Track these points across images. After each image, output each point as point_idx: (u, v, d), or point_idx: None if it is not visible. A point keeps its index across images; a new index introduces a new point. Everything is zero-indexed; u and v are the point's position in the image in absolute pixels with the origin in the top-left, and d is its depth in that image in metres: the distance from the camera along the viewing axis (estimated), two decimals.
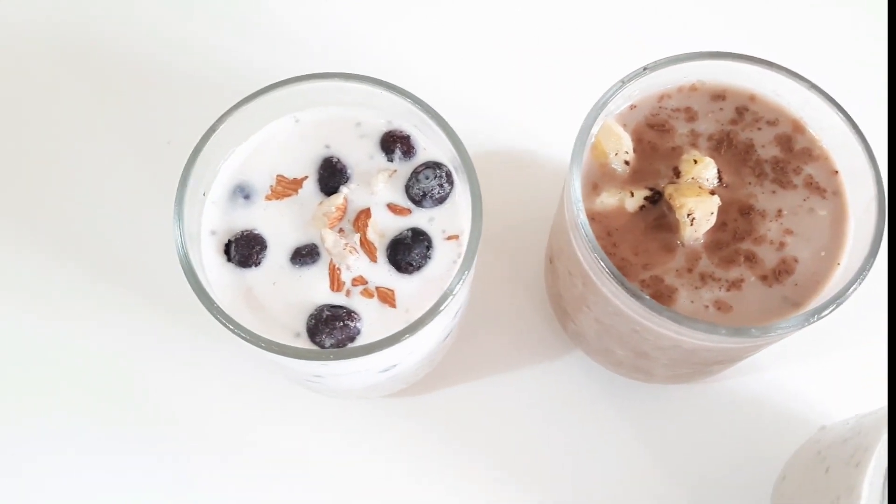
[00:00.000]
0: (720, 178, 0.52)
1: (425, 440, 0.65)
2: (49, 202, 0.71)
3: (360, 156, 0.54)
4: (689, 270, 0.50)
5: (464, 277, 0.48)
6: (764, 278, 0.50)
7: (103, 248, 0.69)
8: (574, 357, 0.67)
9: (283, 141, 0.54)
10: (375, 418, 0.65)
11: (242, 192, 0.53)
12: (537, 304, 0.68)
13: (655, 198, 0.52)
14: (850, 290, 0.47)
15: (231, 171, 0.53)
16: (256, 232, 0.52)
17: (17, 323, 0.67)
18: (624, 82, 0.51)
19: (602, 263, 0.47)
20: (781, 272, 0.50)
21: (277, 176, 0.53)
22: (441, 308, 0.48)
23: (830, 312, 0.47)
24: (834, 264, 0.50)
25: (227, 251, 0.51)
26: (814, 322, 0.46)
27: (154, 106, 0.74)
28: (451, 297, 0.48)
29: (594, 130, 0.51)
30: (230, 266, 0.51)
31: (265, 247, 0.51)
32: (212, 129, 0.51)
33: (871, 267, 0.47)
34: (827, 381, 0.65)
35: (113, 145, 0.73)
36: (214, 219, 0.52)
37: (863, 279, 0.47)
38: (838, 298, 0.47)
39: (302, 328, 0.50)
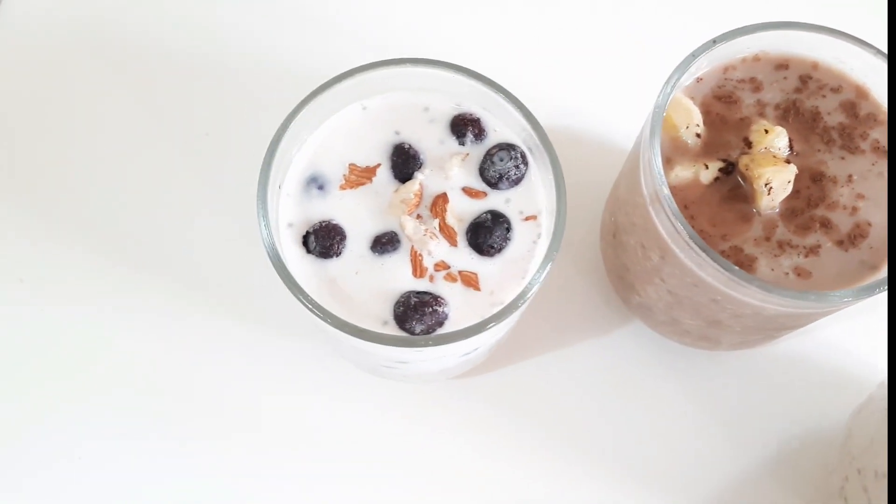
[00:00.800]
0: (791, 147, 0.53)
1: (490, 419, 0.66)
2: (91, 196, 0.70)
3: (431, 141, 0.54)
4: (767, 239, 0.51)
5: (552, 259, 0.48)
6: (840, 243, 0.51)
7: (153, 243, 0.69)
8: (633, 328, 0.68)
9: (352, 130, 0.54)
10: (440, 400, 0.66)
11: (316, 183, 0.53)
12: (594, 279, 0.69)
13: (729, 169, 0.52)
14: None
15: (303, 162, 0.53)
16: (335, 222, 0.51)
17: (68, 316, 0.67)
18: (695, 55, 0.52)
19: (687, 235, 0.48)
20: (856, 236, 0.51)
21: (350, 165, 0.53)
22: (530, 293, 0.48)
23: None
24: None
25: (305, 243, 0.51)
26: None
27: (194, 100, 0.73)
28: (538, 281, 0.48)
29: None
30: (311, 258, 0.51)
31: (344, 237, 0.51)
32: (288, 121, 0.50)
33: None
34: (879, 336, 0.67)
35: (154, 139, 0.72)
36: (291, 211, 0.52)
37: None
38: None
39: (389, 316, 0.50)
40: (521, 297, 0.48)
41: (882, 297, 0.49)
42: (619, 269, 0.62)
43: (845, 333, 0.67)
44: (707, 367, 0.67)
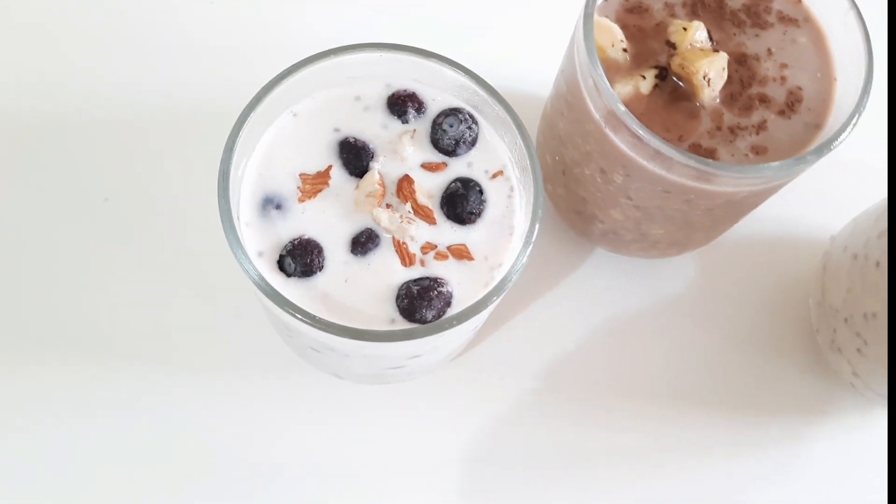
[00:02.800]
0: (710, 37, 0.54)
1: (498, 389, 0.65)
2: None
3: (374, 128, 0.52)
4: (718, 129, 0.53)
5: (540, 214, 0.48)
6: (781, 113, 0.54)
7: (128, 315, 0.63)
8: (597, 258, 0.69)
9: (289, 140, 0.51)
10: (449, 386, 0.64)
11: (272, 204, 0.49)
12: (546, 225, 0.69)
13: (664, 73, 0.53)
14: (869, 87, 0.51)
15: (251, 187, 0.50)
16: (307, 237, 0.48)
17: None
18: None
19: (653, 142, 0.49)
20: (793, 102, 0.54)
21: (300, 175, 0.50)
22: (529, 248, 0.47)
23: (860, 116, 0.51)
24: (831, 80, 0.55)
25: (282, 268, 0.48)
26: (854, 125, 0.50)
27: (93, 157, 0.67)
28: (533, 239, 0.47)
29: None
30: (294, 280, 0.48)
31: (321, 249, 0.48)
32: (227, 153, 0.46)
33: (872, 75, 0.52)
34: (815, 199, 0.71)
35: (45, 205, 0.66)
36: (256, 240, 0.49)
37: (870, 84, 0.51)
38: (861, 100, 0.51)
39: (394, 312, 0.48)
40: (517, 262, 0.47)
41: (820, 163, 0.52)
42: (576, 203, 0.62)
43: (787, 204, 0.71)
44: (674, 271, 0.69)
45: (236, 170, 0.48)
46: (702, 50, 0.53)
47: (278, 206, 0.49)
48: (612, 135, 0.52)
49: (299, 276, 0.48)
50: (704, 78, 0.52)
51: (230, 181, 0.46)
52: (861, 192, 0.65)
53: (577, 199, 0.62)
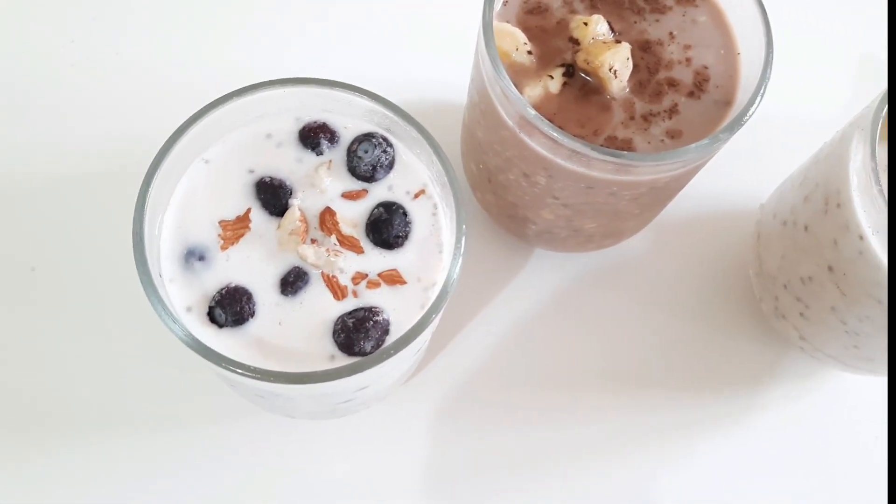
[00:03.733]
0: (612, 29, 0.55)
1: (455, 404, 0.65)
2: None
3: (289, 164, 0.51)
4: (632, 118, 0.53)
5: (464, 228, 0.47)
6: (691, 94, 0.54)
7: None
8: (537, 258, 0.69)
9: (204, 188, 0.50)
10: (406, 409, 0.64)
11: (195, 256, 0.48)
12: (483, 230, 0.69)
13: (571, 70, 0.53)
14: (770, 57, 0.52)
15: (171, 242, 0.48)
16: (234, 284, 0.47)
17: None
18: None
19: (568, 142, 0.49)
20: (701, 82, 0.54)
21: (220, 222, 0.49)
22: (458, 264, 0.47)
23: (766, 87, 0.51)
24: (735, 55, 0.55)
25: (213, 319, 0.47)
26: (762, 96, 0.51)
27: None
28: (461, 253, 0.47)
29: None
30: (227, 331, 0.47)
31: (250, 294, 0.48)
32: (139, 212, 0.45)
33: (772, 45, 0.52)
34: (743, 168, 0.72)
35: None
36: (182, 295, 0.47)
37: (771, 55, 0.52)
38: (765, 72, 0.51)
39: (333, 348, 0.47)
40: (450, 276, 0.47)
41: (742, 132, 0.53)
42: (507, 208, 0.62)
43: (716, 177, 0.71)
44: (615, 261, 0.70)
45: (152, 226, 0.47)
46: (604, 43, 0.53)
47: (201, 258, 0.48)
48: (527, 139, 0.52)
49: (232, 326, 0.47)
50: (610, 70, 0.52)
51: (145, 240, 0.45)
52: (785, 157, 0.66)
53: (507, 204, 0.61)
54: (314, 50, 0.75)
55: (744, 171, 0.71)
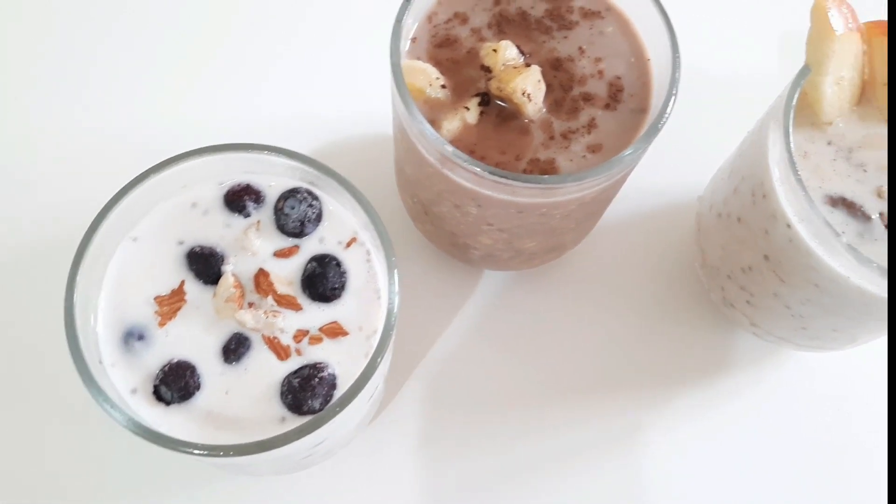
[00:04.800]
0: (522, 52, 0.55)
1: (423, 432, 0.65)
2: None
3: (217, 230, 0.51)
4: (551, 138, 0.54)
5: (395, 274, 0.48)
6: (607, 106, 0.55)
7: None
8: (485, 279, 0.70)
9: (135, 266, 0.50)
10: (371, 449, 0.64)
11: (134, 336, 0.48)
12: (429, 258, 0.69)
13: (486, 99, 0.54)
14: (677, 60, 0.52)
15: (107, 325, 0.48)
16: (176, 360, 0.48)
17: None
18: (399, 20, 0.52)
19: (489, 174, 0.49)
20: (615, 93, 0.55)
21: (155, 299, 0.49)
22: (394, 309, 0.47)
23: (676, 90, 0.52)
24: (645, 61, 0.56)
25: (159, 397, 0.47)
26: (674, 99, 0.52)
27: None
28: (396, 300, 0.47)
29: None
30: (174, 407, 0.47)
31: (194, 367, 0.48)
32: (70, 297, 0.45)
33: (677, 48, 0.53)
34: (679, 162, 0.72)
35: None
36: (126, 378, 0.47)
37: (677, 56, 0.53)
38: (674, 74, 0.52)
39: (283, 410, 0.47)
40: (388, 320, 0.47)
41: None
42: (447, 237, 0.63)
43: (654, 175, 0.72)
44: (564, 270, 0.70)
45: (86, 312, 0.47)
46: (515, 68, 0.53)
47: (140, 337, 0.48)
48: (451, 175, 0.52)
49: (179, 402, 0.47)
50: (524, 94, 0.52)
51: (78, 330, 0.45)
52: (719, 147, 0.67)
53: (446, 233, 0.62)
54: (233, 109, 0.75)
55: (680, 164, 0.72)
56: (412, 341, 0.67)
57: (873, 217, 0.52)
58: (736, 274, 0.61)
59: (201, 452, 0.43)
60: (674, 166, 0.71)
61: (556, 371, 0.68)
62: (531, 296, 0.70)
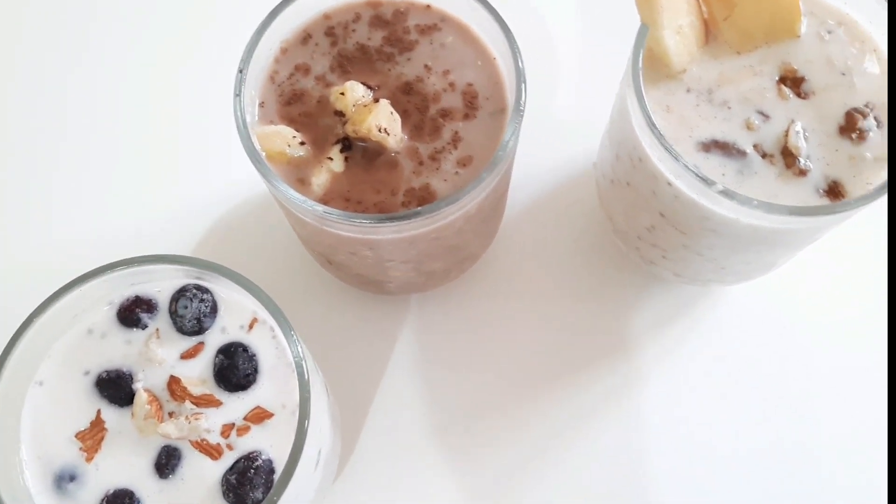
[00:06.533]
0: (370, 87, 0.55)
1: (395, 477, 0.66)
2: None
3: (119, 351, 0.50)
4: (421, 163, 0.54)
5: (299, 348, 0.48)
6: (466, 116, 0.55)
7: None
8: (413, 302, 0.70)
9: (48, 409, 0.49)
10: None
11: (65, 479, 0.48)
12: (339, 296, 0.69)
13: (347, 143, 0.54)
14: (516, 49, 0.53)
15: (34, 477, 0.48)
16: (112, 490, 0.47)
17: None
18: (237, 94, 0.52)
19: (368, 221, 0.49)
20: (471, 100, 0.55)
21: (76, 436, 0.49)
22: (305, 382, 0.47)
23: (524, 78, 0.52)
24: (492, 61, 0.56)
25: None
26: (526, 90, 0.52)
27: None
28: (304, 370, 0.47)
29: (258, 147, 0.52)
30: None
31: (131, 492, 0.47)
32: None
33: (514, 41, 0.53)
34: (571, 132, 0.73)
35: None
36: None
37: (515, 49, 0.53)
38: (517, 63, 0.53)
39: None
40: (303, 390, 0.47)
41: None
42: (358, 278, 0.63)
43: (544, 155, 0.72)
44: (490, 271, 0.70)
45: (12, 472, 0.47)
46: (365, 106, 0.53)
47: (72, 478, 0.48)
48: (332, 230, 0.52)
49: None
50: (380, 130, 0.52)
51: (4, 497, 0.44)
52: (596, 114, 0.67)
53: (355, 275, 0.62)
54: (97, 225, 0.73)
55: (573, 135, 0.72)
56: (356, 390, 0.67)
57: (748, 151, 0.53)
58: (643, 234, 0.62)
59: None
60: (562, 143, 0.71)
61: (509, 370, 0.68)
62: (463, 305, 0.70)
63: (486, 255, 0.70)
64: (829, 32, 0.55)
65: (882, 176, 0.51)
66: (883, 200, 0.50)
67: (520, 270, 0.71)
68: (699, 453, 0.66)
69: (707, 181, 0.49)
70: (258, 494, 0.47)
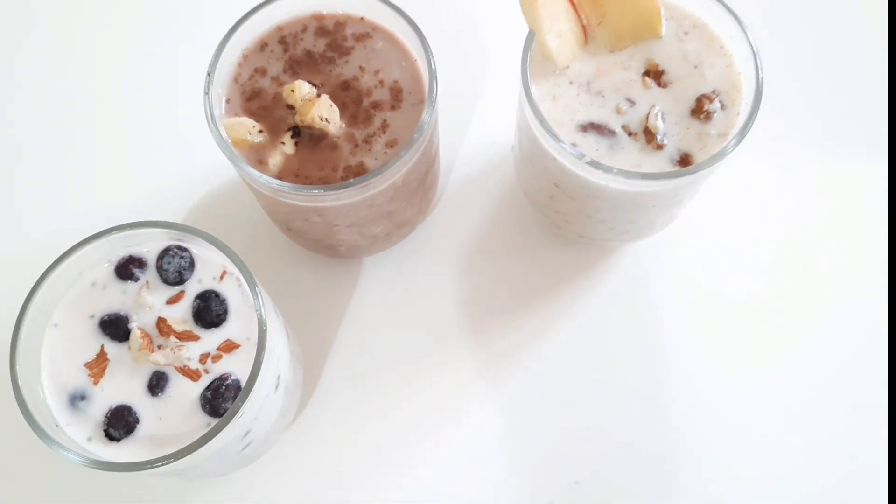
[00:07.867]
0: (315, 86, 0.68)
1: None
2: None
3: (117, 299, 0.63)
4: (356, 145, 0.66)
5: (258, 293, 0.61)
6: (393, 107, 0.67)
7: None
8: (365, 263, 0.83)
9: (62, 346, 0.62)
10: (298, 442, 0.77)
11: (78, 398, 0.61)
12: (309, 259, 0.82)
13: (297, 131, 0.67)
14: (428, 52, 0.66)
15: (52, 396, 0.61)
16: (114, 406, 0.60)
17: None
18: (206, 93, 0.65)
19: (314, 191, 0.62)
20: (397, 94, 0.68)
21: (85, 365, 0.62)
22: (263, 319, 0.60)
23: (435, 69, 0.65)
24: (413, 61, 0.69)
25: (110, 437, 0.60)
26: (436, 79, 0.66)
27: None
28: (261, 306, 0.60)
29: (225, 136, 0.65)
30: (124, 441, 0.60)
31: (130, 407, 0.61)
32: (17, 390, 0.58)
33: (427, 46, 0.66)
34: (493, 122, 0.86)
35: None
36: (81, 430, 0.60)
37: (426, 45, 0.66)
38: (428, 59, 0.65)
39: (206, 419, 0.60)
40: (260, 326, 0.60)
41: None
42: (314, 243, 0.75)
43: (470, 137, 0.85)
44: (421, 244, 0.83)
45: (33, 392, 0.60)
46: (310, 101, 0.66)
47: (83, 398, 0.61)
48: (286, 200, 0.65)
49: (126, 436, 0.60)
50: (322, 119, 0.65)
51: (30, 407, 0.58)
52: (508, 102, 0.80)
53: (312, 240, 0.75)
54: (111, 192, 0.87)
55: (496, 123, 0.85)
56: (317, 337, 0.80)
57: (617, 131, 0.66)
58: (548, 203, 0.75)
59: (155, 465, 0.56)
60: (487, 130, 0.84)
61: (448, 317, 0.80)
62: (406, 265, 0.81)
63: (425, 225, 0.82)
64: (686, 33, 0.68)
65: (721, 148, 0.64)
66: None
67: (455, 237, 0.83)
68: (585, 394, 0.78)
69: (578, 156, 0.62)
70: (228, 405, 0.60)
